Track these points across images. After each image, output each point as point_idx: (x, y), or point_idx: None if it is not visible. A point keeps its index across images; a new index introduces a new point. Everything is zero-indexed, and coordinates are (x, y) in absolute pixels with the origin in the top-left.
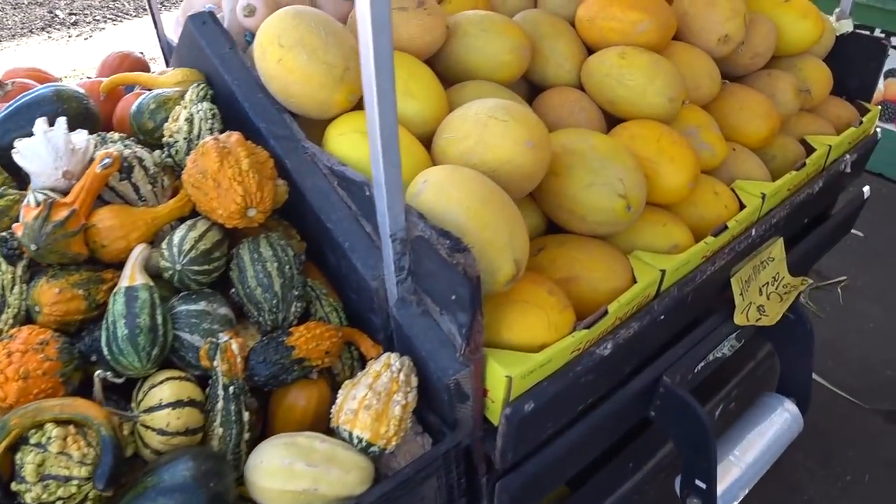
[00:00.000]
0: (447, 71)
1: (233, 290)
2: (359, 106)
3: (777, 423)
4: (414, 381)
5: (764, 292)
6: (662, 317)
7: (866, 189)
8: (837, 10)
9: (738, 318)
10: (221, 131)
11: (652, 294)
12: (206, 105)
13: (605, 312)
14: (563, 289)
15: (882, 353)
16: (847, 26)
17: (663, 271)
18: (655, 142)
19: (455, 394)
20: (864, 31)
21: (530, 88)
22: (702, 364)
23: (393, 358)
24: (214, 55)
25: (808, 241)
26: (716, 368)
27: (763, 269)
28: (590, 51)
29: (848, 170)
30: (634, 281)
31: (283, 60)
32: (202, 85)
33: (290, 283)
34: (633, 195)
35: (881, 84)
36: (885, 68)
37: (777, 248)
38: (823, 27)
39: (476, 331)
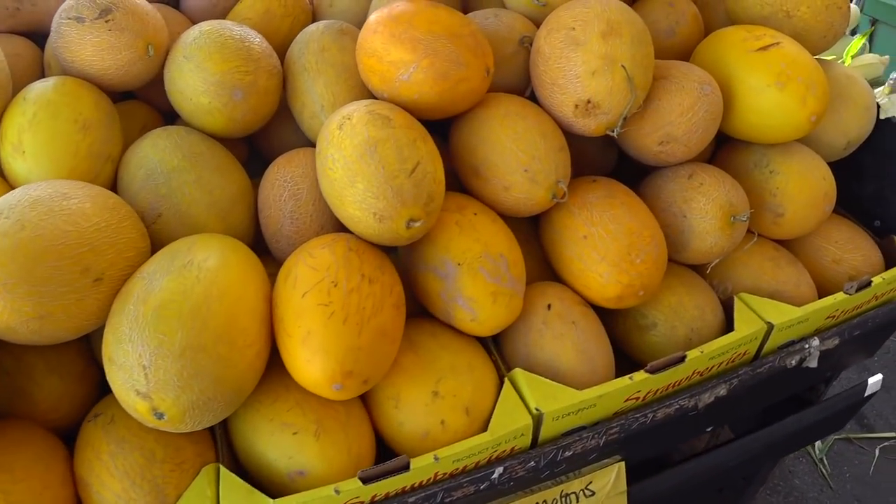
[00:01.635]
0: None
1: None
2: None
3: None
4: None
5: None
6: None
7: (874, 381)
8: (894, 76)
9: None
10: None
11: None
12: None
13: None
14: None
15: None
16: None
17: None
18: (301, 294)
19: None
20: None
21: None
22: None
23: None
24: None
25: (720, 454)
26: None
27: None
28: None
29: (813, 364)
30: None
31: None
32: None
33: None
34: (166, 398)
35: None
36: None
37: (606, 476)
38: (818, 107)
39: None
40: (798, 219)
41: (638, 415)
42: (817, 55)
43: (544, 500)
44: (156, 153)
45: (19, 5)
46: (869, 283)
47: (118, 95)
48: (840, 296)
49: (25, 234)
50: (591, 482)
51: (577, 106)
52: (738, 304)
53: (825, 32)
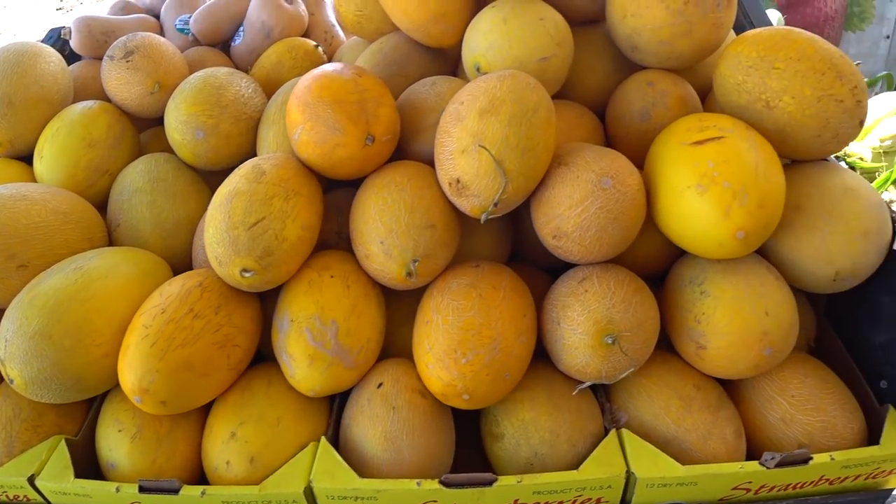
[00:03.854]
0: None
1: None
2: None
3: None
4: None
5: None
6: None
7: None
8: None
9: None
10: None
11: None
12: None
13: None
14: None
15: None
16: None
17: None
18: (140, 314)
19: None
20: None
21: None
22: None
23: None
24: None
25: None
26: None
27: None
28: None
29: None
30: None
31: None
32: None
33: None
34: (13, 368)
35: None
36: None
37: None
38: (747, 223)
39: None
40: (722, 357)
41: None
42: (813, 158)
43: None
44: (132, 174)
45: (107, 38)
46: (805, 461)
47: (153, 122)
48: (751, 466)
49: None
50: None
51: (450, 184)
52: (606, 441)
53: (819, 131)
